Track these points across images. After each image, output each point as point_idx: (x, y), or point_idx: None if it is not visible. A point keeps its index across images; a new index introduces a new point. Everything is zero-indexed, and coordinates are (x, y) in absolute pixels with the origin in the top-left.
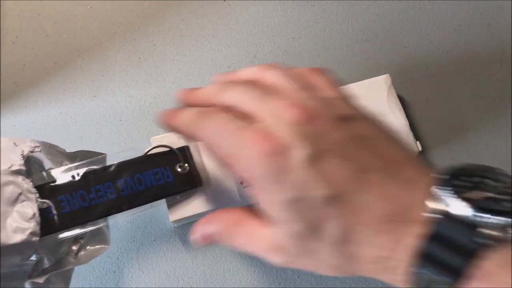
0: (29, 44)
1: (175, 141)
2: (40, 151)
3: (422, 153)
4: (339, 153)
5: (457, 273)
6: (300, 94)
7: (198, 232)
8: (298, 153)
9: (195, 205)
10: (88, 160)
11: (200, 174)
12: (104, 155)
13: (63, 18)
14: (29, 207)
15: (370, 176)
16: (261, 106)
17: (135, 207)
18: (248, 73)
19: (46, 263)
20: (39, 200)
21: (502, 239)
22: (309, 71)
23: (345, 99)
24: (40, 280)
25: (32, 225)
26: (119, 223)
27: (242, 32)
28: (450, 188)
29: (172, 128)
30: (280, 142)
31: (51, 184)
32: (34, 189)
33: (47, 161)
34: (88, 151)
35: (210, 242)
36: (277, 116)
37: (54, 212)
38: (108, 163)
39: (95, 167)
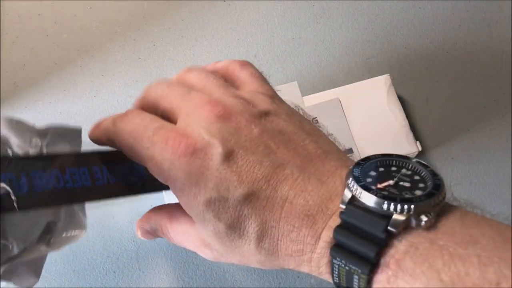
0: (29, 44)
1: None
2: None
3: (422, 153)
4: (254, 150)
5: (369, 262)
6: (218, 91)
7: (139, 228)
8: (213, 152)
9: None
10: (61, 135)
11: None
12: (79, 128)
13: (63, 18)
14: None
15: (286, 171)
16: (181, 103)
17: (107, 198)
18: (175, 76)
19: (15, 251)
20: None
21: (408, 225)
22: (235, 65)
23: (266, 94)
24: None
25: None
26: (119, 223)
27: (242, 32)
28: (360, 180)
29: (96, 141)
30: (194, 141)
31: (23, 157)
32: None
33: (14, 139)
34: (61, 127)
35: (151, 237)
36: (194, 114)
37: (13, 196)
38: (83, 140)
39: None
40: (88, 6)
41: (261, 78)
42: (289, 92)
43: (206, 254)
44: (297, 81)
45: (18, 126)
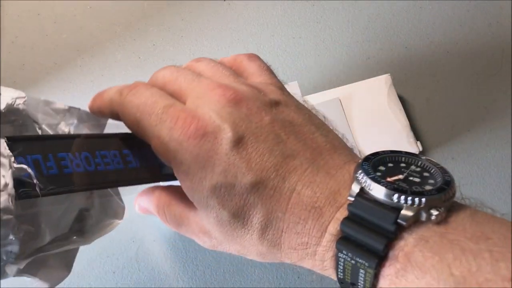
0: (29, 44)
1: None
2: (24, 104)
3: (423, 153)
4: (264, 138)
5: (376, 255)
6: (228, 79)
7: (137, 203)
8: (223, 137)
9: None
10: (88, 117)
11: None
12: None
13: (63, 18)
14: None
15: (295, 162)
16: (191, 85)
17: (143, 183)
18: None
19: (46, 239)
20: (15, 165)
21: (417, 219)
22: (242, 57)
23: (276, 85)
24: (20, 265)
25: (2, 200)
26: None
27: (242, 32)
28: (370, 172)
29: (98, 112)
30: (205, 124)
31: (51, 138)
32: (8, 151)
33: (42, 119)
34: (84, 110)
35: (148, 213)
36: (205, 97)
37: (35, 180)
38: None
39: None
40: (88, 6)
41: (270, 71)
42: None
43: (203, 241)
44: (297, 81)
45: (47, 107)
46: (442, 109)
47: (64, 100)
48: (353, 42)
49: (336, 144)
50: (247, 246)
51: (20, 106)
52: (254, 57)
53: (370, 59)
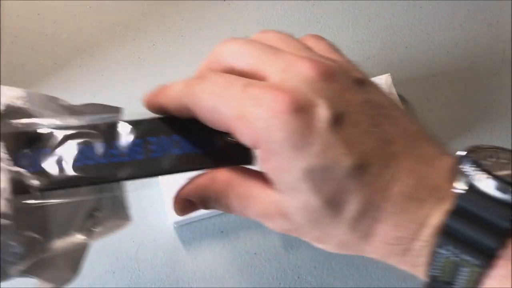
0: (29, 44)
1: None
2: (24, 103)
3: None
4: (360, 119)
5: (487, 253)
6: (306, 52)
7: (180, 201)
8: (319, 114)
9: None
10: (99, 115)
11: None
12: (119, 108)
13: (62, 18)
14: None
15: (394, 148)
16: (268, 59)
17: (165, 173)
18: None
19: (53, 240)
20: (13, 169)
21: None
22: (307, 36)
23: (353, 63)
24: (23, 266)
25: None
26: None
27: (242, 32)
28: (480, 164)
29: (161, 109)
30: (297, 98)
31: (64, 129)
32: (6, 153)
33: (47, 117)
34: (100, 104)
35: (189, 212)
36: (292, 70)
37: (33, 182)
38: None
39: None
40: (88, 6)
41: (340, 50)
42: None
43: (277, 224)
44: None
45: (52, 103)
46: (442, 109)
47: (64, 100)
48: (353, 42)
49: (426, 132)
50: (331, 235)
51: (21, 105)
52: (321, 37)
53: (370, 59)
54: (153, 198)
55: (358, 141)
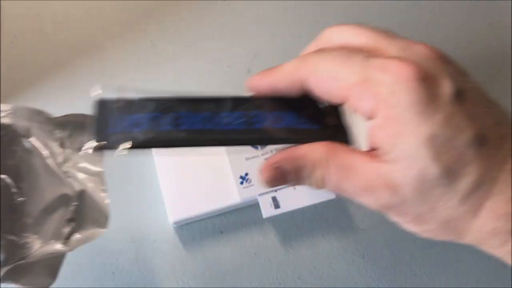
0: (29, 43)
1: None
2: (9, 118)
3: None
4: (479, 98)
5: None
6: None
7: (272, 169)
8: (446, 86)
9: (195, 206)
10: (82, 125)
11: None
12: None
13: (62, 18)
14: None
15: (505, 130)
16: (385, 40)
17: (266, 143)
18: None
19: (34, 247)
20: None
21: None
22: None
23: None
24: (1, 271)
25: None
26: (119, 223)
27: (242, 32)
28: None
29: (269, 88)
30: (426, 69)
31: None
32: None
33: (35, 130)
34: (80, 115)
35: (278, 184)
36: (410, 50)
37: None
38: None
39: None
40: (87, 6)
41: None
42: None
43: (379, 198)
44: None
45: (39, 116)
46: None
47: (64, 99)
48: None
49: None
50: (439, 210)
51: (6, 121)
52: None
53: None
54: (153, 198)
55: (480, 115)
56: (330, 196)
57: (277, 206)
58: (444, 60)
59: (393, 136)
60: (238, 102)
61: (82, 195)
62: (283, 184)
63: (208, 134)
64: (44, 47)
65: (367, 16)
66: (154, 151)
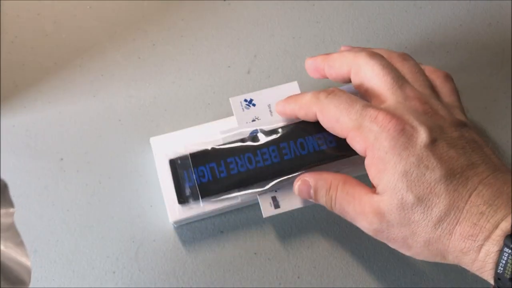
0: (29, 43)
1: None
2: None
3: None
4: (453, 146)
5: None
6: (426, 90)
7: (303, 181)
8: (419, 136)
9: (195, 206)
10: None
11: None
12: (3, 182)
13: (62, 18)
14: None
15: (479, 169)
16: (393, 88)
17: (298, 171)
18: (387, 53)
19: None
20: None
21: None
22: (440, 73)
23: (461, 109)
24: None
25: None
26: (119, 223)
27: (242, 32)
28: None
29: (291, 114)
30: (403, 122)
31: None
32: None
33: None
34: None
35: (305, 195)
36: (405, 104)
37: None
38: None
39: (264, 127)
40: (88, 6)
41: (458, 95)
42: (289, 92)
43: (370, 223)
44: (297, 81)
45: None
46: None
47: (64, 100)
48: (353, 42)
49: (507, 166)
50: (417, 233)
51: None
52: (450, 78)
53: None
54: (153, 198)
55: (448, 160)
56: None
57: (277, 206)
58: (432, 113)
59: (378, 172)
60: (269, 135)
61: None
62: (305, 197)
63: (253, 172)
64: (44, 47)
65: (367, 16)
66: (155, 151)
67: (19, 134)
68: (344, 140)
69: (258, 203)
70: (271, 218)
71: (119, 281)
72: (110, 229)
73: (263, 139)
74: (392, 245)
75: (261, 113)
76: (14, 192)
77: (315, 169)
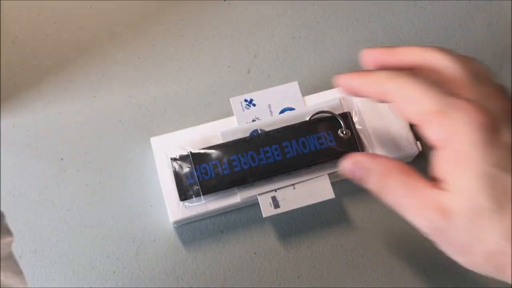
0: (29, 44)
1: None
2: None
3: (423, 153)
4: None
5: None
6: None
7: (355, 162)
8: (506, 136)
9: (196, 204)
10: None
11: (362, 139)
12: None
13: (62, 18)
14: None
15: None
16: (475, 82)
17: (299, 168)
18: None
19: None
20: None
21: None
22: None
23: None
24: None
25: None
26: (119, 223)
27: (242, 32)
28: None
29: (355, 90)
30: (494, 117)
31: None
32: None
33: None
34: None
35: (358, 177)
36: (489, 100)
37: None
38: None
39: (265, 128)
40: (88, 6)
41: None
42: (289, 92)
43: (430, 221)
44: (297, 81)
45: None
46: None
47: (64, 100)
48: (353, 42)
49: None
50: (482, 241)
51: None
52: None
53: None
54: (153, 198)
55: None
56: (330, 196)
57: (276, 206)
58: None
59: (456, 166)
60: (270, 135)
61: None
62: (353, 178)
63: (256, 170)
64: (45, 47)
65: (367, 17)
66: (155, 151)
67: (19, 134)
68: (344, 139)
69: (258, 203)
70: (271, 218)
71: (119, 281)
72: (110, 229)
73: (264, 138)
74: (445, 248)
75: (261, 113)
76: (14, 192)
77: (317, 167)
